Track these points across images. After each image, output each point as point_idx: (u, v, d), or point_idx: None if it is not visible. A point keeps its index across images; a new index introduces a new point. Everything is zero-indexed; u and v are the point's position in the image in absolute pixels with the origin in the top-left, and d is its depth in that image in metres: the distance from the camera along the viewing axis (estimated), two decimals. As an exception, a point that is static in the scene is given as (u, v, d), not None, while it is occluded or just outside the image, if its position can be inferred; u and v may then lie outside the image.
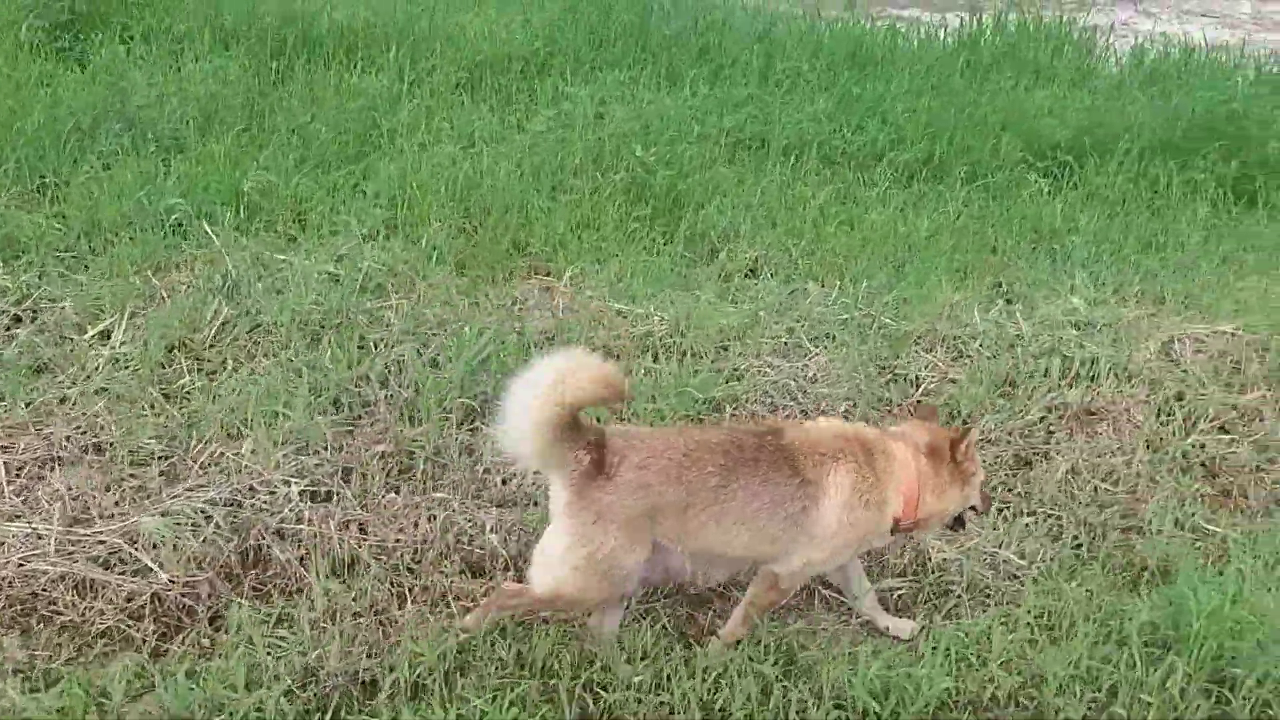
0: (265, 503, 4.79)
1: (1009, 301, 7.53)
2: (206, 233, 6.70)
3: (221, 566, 4.55)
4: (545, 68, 9.70)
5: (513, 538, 4.88)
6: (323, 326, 6.06)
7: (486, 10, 10.33)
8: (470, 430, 5.50)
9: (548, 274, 7.28)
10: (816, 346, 6.80)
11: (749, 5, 11.49)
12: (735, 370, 6.36)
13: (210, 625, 4.39)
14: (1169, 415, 6.32)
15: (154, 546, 4.52)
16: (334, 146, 8.12)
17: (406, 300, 6.54)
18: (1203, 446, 6.12)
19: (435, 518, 4.85)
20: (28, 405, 5.33)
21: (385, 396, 5.57)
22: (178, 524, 4.59)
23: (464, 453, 5.34)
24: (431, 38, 9.70)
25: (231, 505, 4.75)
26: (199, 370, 5.68)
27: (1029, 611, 4.68)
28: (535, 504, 5.01)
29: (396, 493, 5.04)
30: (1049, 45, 11.41)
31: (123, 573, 4.44)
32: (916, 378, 6.62)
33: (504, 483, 5.22)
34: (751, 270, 7.75)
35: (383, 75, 9.11)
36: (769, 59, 10.43)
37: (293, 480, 4.87)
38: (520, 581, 4.31)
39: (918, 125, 9.57)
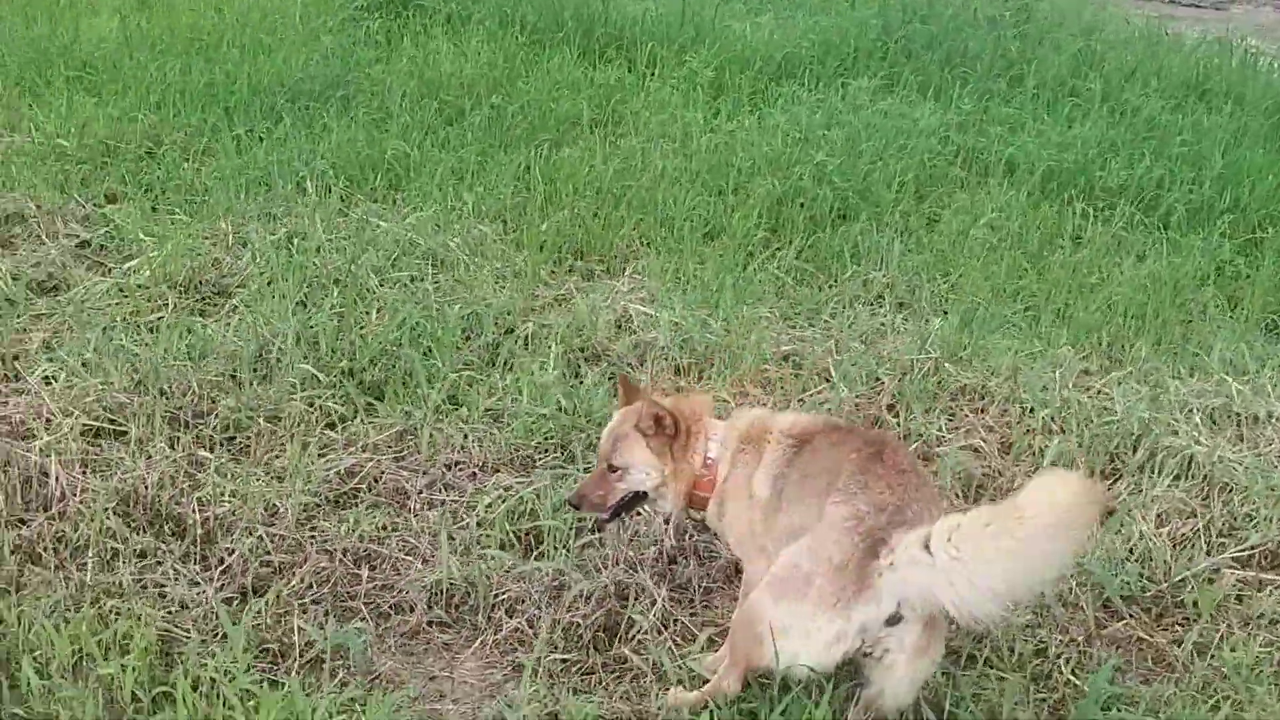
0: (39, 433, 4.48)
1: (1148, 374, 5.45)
2: (308, 192, 6.49)
3: None
4: (793, 72, 8.50)
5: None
6: (320, 285, 5.62)
7: (766, 14, 9.24)
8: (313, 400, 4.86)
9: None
10: (846, 385, 5.31)
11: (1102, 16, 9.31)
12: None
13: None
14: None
15: None
16: (524, 131, 7.62)
17: (455, 277, 5.93)
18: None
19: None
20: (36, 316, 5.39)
21: (291, 359, 5.04)
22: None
23: (292, 419, 4.71)
24: (699, 39, 8.85)
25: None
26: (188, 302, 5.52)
27: None
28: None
29: (173, 446, 4.50)
30: None
31: None
32: (929, 435, 4.95)
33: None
34: (879, 297, 6.23)
35: (624, 69, 8.44)
36: (1075, 77, 8.42)
37: (74, 412, 4.53)
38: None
39: (1210, 168, 7.25)
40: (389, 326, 5.28)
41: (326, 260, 5.86)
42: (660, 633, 3.77)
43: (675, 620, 3.87)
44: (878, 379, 5.40)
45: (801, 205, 6.92)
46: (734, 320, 5.76)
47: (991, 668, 3.76)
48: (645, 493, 3.68)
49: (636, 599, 3.92)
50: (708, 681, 3.50)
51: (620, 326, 5.76)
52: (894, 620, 3.10)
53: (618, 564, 4.04)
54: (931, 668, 3.31)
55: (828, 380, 5.36)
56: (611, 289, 6.09)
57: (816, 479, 3.35)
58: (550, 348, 5.41)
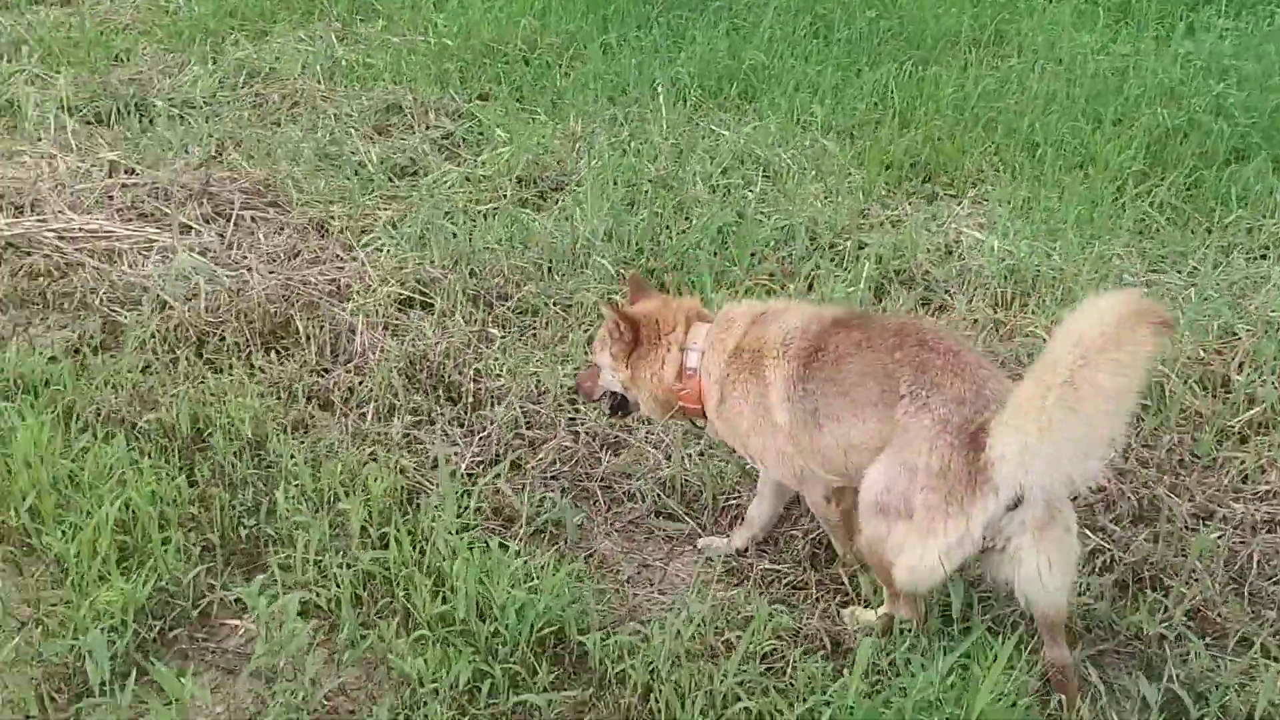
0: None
1: None
2: (659, 98, 6.59)
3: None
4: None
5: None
6: (646, 187, 5.72)
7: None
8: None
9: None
10: (1191, 334, 4.76)
11: None
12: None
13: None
14: None
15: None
16: (894, 47, 7.33)
17: (780, 189, 5.85)
18: None
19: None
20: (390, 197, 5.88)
21: (599, 254, 5.20)
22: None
23: (583, 309, 4.84)
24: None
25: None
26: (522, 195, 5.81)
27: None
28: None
29: (468, 321, 4.76)
30: None
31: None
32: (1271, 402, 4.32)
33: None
34: (1263, 247, 5.52)
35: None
36: None
37: (391, 282, 4.91)
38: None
39: None
40: (695, 229, 5.28)
41: (659, 164, 5.94)
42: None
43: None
44: (1233, 334, 4.74)
45: (1190, 139, 6.17)
46: (1079, 255, 5.27)
47: (1269, 657, 3.23)
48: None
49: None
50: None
51: (949, 252, 5.43)
52: (1014, 505, 2.84)
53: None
54: (1066, 538, 2.94)
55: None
56: (949, 213, 5.75)
57: (862, 388, 3.08)
58: (864, 266, 5.20)
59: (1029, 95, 6.67)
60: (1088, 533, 3.69)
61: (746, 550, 3.67)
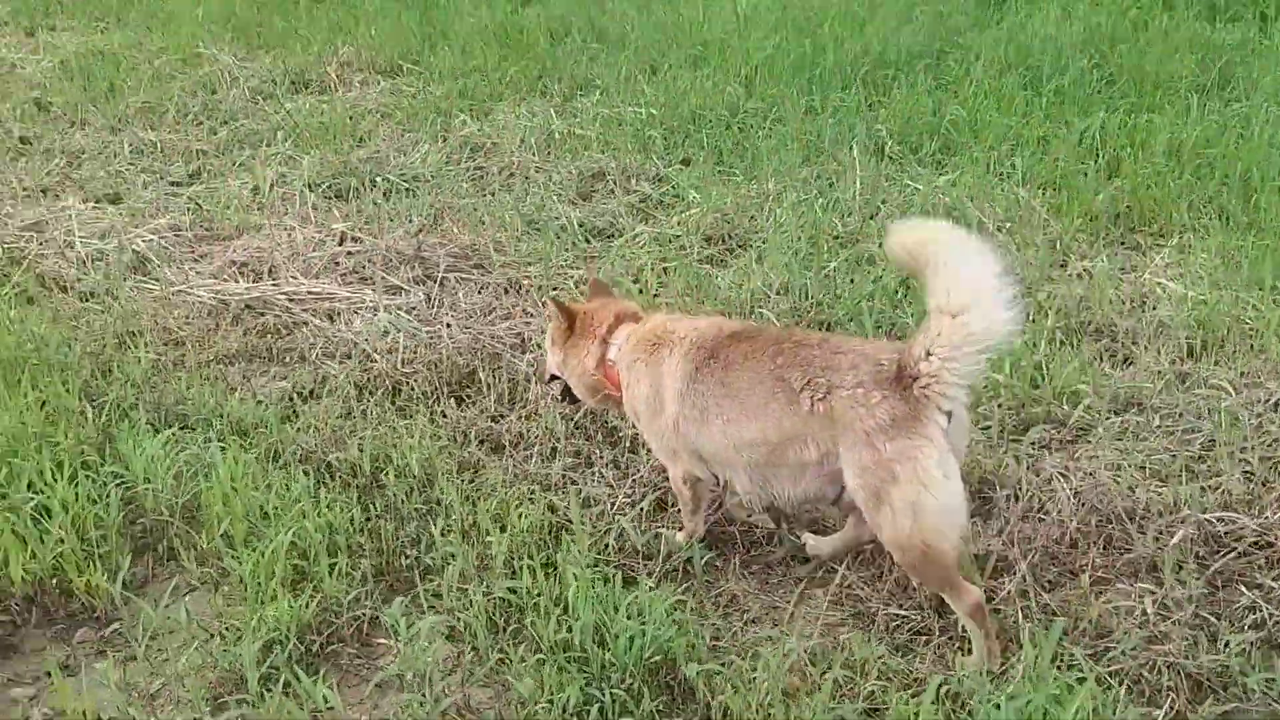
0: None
1: None
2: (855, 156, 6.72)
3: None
4: None
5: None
6: (830, 242, 5.88)
7: None
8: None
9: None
10: None
11: None
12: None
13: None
14: None
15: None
16: (1107, 96, 7.17)
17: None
18: None
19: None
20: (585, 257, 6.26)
21: (773, 306, 5.38)
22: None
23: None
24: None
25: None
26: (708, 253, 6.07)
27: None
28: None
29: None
30: None
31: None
32: None
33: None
34: None
35: (1253, 27, 7.53)
36: None
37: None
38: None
39: None
40: (868, 281, 5.35)
41: (847, 221, 6.05)
42: (1018, 599, 3.48)
43: (1038, 597, 3.56)
44: None
45: None
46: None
47: None
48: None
49: (1002, 570, 3.68)
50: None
51: (1142, 303, 5.28)
52: (949, 418, 3.21)
53: (998, 535, 3.80)
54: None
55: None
56: (1147, 263, 5.59)
57: (751, 393, 3.45)
58: (1046, 319, 5.12)
59: (1251, 139, 6.37)
60: (1243, 589, 3.52)
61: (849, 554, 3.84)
